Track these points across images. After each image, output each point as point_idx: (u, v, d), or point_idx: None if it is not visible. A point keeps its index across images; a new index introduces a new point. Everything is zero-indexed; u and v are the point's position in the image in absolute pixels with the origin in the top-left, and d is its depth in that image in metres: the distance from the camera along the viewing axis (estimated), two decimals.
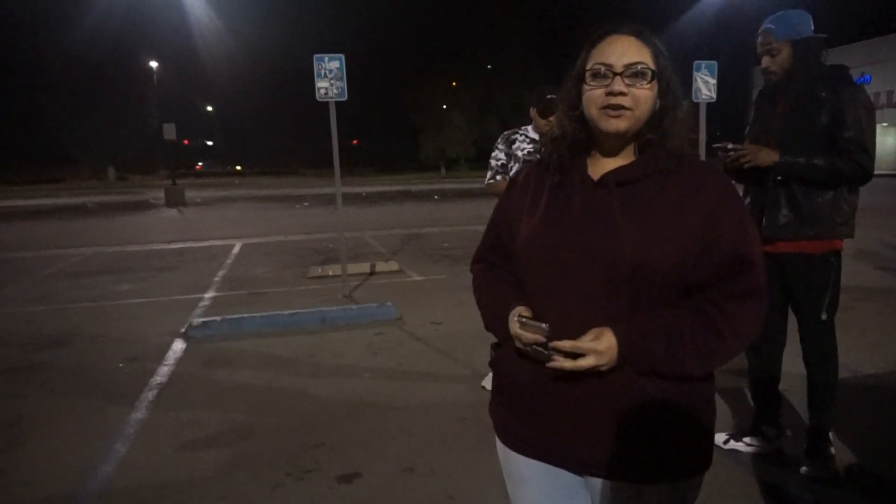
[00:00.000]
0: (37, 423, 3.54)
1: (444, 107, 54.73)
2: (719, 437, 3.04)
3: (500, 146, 3.79)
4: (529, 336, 1.17)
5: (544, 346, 1.15)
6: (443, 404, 3.68)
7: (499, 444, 1.38)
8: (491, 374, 4.00)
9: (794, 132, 2.60)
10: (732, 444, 3.01)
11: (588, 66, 1.21)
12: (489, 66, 57.65)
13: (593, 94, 1.19)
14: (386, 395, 3.85)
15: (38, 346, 5.10)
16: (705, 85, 6.66)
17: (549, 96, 3.48)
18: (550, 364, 1.14)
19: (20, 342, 5.21)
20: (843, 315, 5.59)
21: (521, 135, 3.74)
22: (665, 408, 1.17)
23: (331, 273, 7.92)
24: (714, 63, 6.60)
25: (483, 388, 3.92)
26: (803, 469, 2.74)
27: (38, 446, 3.26)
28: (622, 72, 1.17)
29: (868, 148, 2.49)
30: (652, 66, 1.18)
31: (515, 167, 3.67)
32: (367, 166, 51.75)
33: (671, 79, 1.21)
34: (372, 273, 8.20)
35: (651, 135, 1.22)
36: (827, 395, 2.76)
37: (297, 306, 6.12)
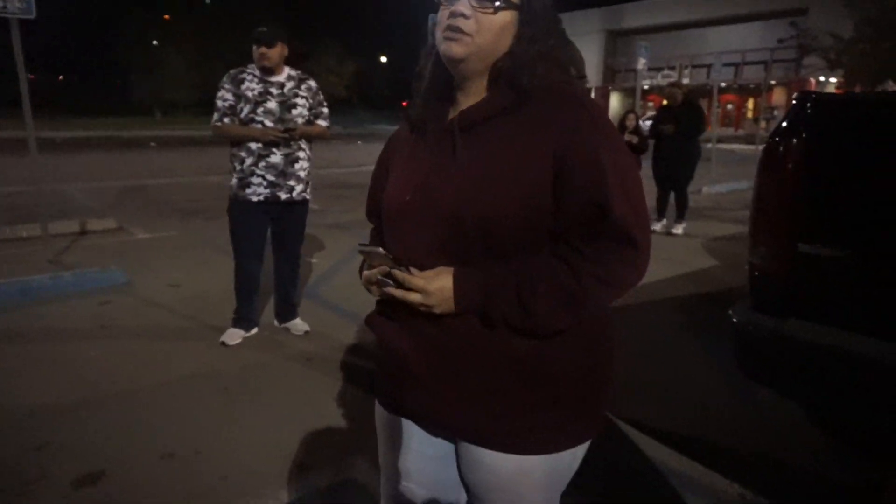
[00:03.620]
0: None
1: (155, 43, 48.47)
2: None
3: (226, 86, 3.48)
4: (374, 272, 1.11)
5: (389, 275, 1.11)
6: (199, 376, 3.29)
7: (376, 403, 1.31)
8: (231, 330, 3.58)
9: None
10: None
11: None
12: (207, 1, 52.50)
13: (442, 16, 1.08)
14: (127, 375, 3.30)
15: None
16: None
17: (260, 28, 3.44)
18: (385, 289, 1.09)
19: None
20: None
21: (248, 74, 3.51)
22: (540, 367, 1.08)
23: (25, 234, 6.49)
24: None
25: (223, 343, 3.67)
26: None
27: None
28: None
29: None
30: None
31: (247, 109, 3.44)
32: (65, 107, 43.04)
33: (539, 11, 1.09)
34: (83, 232, 6.95)
35: (503, 63, 1.08)
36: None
37: None
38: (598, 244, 1.03)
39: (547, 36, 1.10)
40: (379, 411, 1.29)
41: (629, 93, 38.62)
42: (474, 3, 1.05)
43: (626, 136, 7.18)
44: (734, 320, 1.95)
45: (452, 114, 1.13)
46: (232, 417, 2.86)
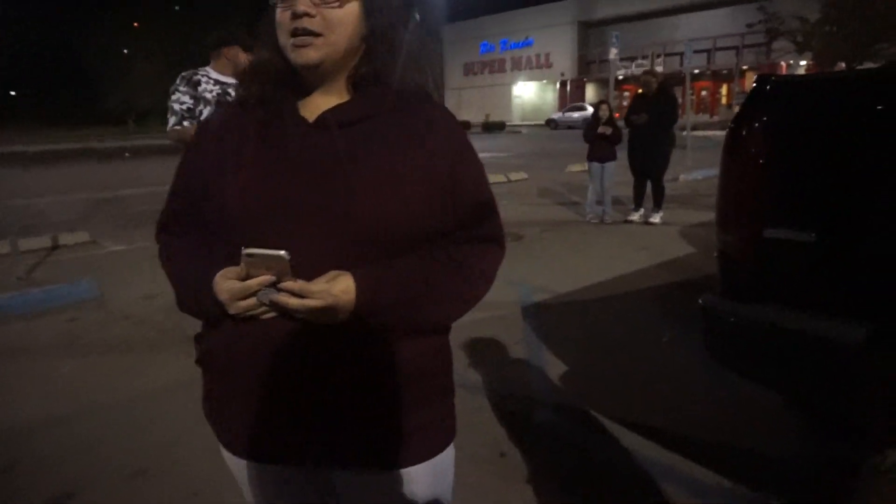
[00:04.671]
0: None
1: (126, 52, 47.81)
2: None
3: (181, 88, 3.40)
4: (254, 282, 0.95)
5: (274, 287, 0.96)
6: (171, 388, 3.22)
7: (223, 450, 1.15)
8: None
9: None
10: None
11: None
12: (176, 8, 51.86)
13: (281, 19, 0.98)
14: (97, 391, 3.22)
15: None
16: None
17: (243, 31, 3.37)
18: (274, 297, 0.95)
19: None
20: (535, 245, 6.51)
21: (202, 76, 3.44)
22: (409, 374, 1.04)
23: None
24: None
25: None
26: None
27: None
28: None
29: None
30: None
31: (207, 110, 3.36)
32: (39, 120, 42.13)
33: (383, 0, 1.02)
34: (55, 247, 6.82)
35: (365, 67, 1.04)
36: None
37: None
38: (480, 245, 1.10)
39: (398, 29, 1.04)
40: (235, 462, 1.13)
41: (604, 83, 38.80)
42: (316, 0, 0.97)
43: (600, 128, 7.17)
44: (704, 307, 1.94)
45: (307, 109, 1.04)
46: (205, 431, 2.79)
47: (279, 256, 0.92)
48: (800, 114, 1.79)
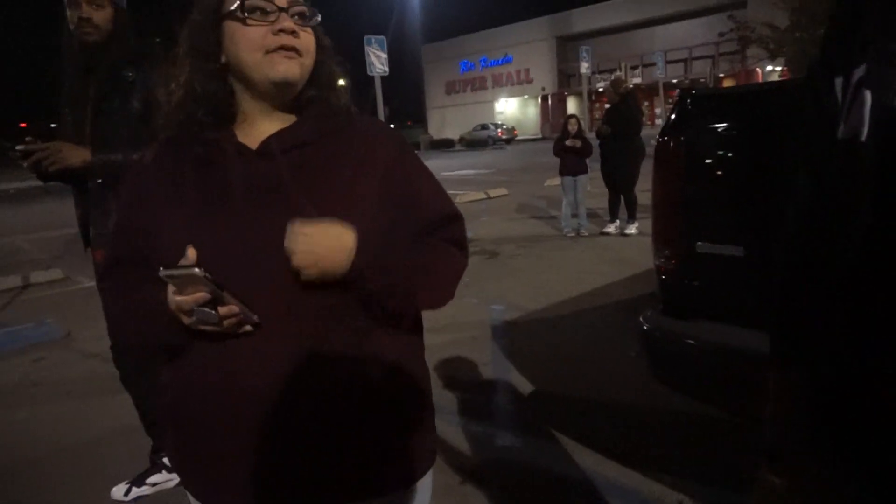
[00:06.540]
0: None
1: None
2: (118, 490, 2.52)
3: None
4: (189, 298, 0.88)
5: (212, 305, 0.89)
6: (130, 430, 3.15)
7: (194, 501, 1.06)
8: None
9: (104, 121, 2.17)
10: (136, 493, 2.51)
11: (235, 4, 0.96)
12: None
13: (254, 34, 0.95)
14: (52, 436, 3.15)
15: None
16: (378, 59, 6.90)
17: None
18: (226, 308, 0.89)
19: None
20: (510, 262, 6.49)
21: None
22: (393, 395, 1.02)
23: None
24: (383, 38, 6.87)
25: None
26: None
27: None
28: (287, 8, 0.97)
29: None
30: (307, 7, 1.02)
31: None
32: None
33: (320, 27, 1.06)
34: (26, 286, 6.75)
35: (312, 91, 1.04)
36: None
37: None
38: (449, 245, 1.10)
39: (331, 53, 1.08)
40: None
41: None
42: (298, 21, 0.99)
43: (569, 141, 7.20)
44: (644, 327, 1.92)
45: (248, 137, 1.01)
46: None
47: (193, 274, 0.86)
48: (721, 126, 1.79)
